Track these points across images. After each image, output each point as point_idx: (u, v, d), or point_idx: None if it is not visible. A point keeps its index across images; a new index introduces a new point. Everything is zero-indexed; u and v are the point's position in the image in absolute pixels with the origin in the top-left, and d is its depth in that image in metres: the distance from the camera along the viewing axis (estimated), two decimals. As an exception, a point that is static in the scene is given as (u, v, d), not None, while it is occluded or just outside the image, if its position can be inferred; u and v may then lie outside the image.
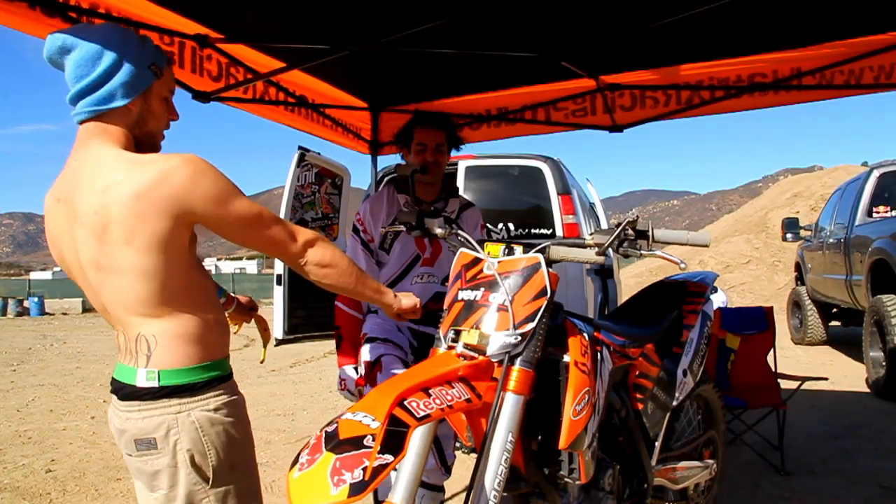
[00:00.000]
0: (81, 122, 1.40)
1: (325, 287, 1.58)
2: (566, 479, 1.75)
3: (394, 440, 1.20)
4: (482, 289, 1.62)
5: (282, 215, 4.19)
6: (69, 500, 3.58)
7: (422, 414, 1.29)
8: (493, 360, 1.53)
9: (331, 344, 9.76)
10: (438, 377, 1.41)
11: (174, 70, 1.62)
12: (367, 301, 1.69)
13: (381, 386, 1.40)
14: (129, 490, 3.59)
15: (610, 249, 1.65)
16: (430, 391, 1.36)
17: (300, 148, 4.17)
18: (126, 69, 1.37)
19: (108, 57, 1.36)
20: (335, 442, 1.19)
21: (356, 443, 1.17)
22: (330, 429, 1.24)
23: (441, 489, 2.52)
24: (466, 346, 1.54)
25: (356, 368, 2.54)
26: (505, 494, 1.48)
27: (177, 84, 1.88)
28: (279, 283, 4.06)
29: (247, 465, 1.49)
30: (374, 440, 1.18)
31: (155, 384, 1.37)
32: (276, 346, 4.12)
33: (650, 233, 1.64)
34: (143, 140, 1.45)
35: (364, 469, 1.13)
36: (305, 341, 4.40)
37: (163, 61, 1.46)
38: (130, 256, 1.32)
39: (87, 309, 21.13)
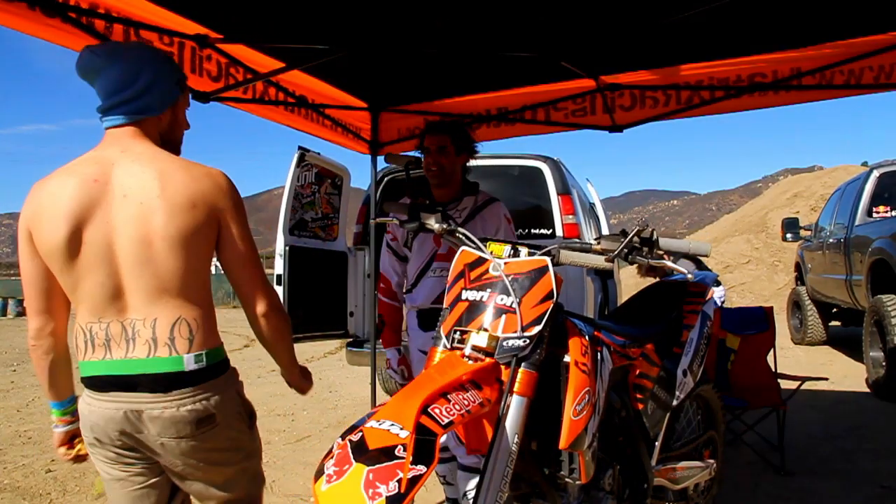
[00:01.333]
0: (113, 127, 1.52)
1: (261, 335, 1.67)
2: (566, 480, 1.75)
3: (424, 449, 1.17)
4: (488, 290, 1.60)
5: (281, 215, 4.20)
6: (69, 500, 3.58)
7: (446, 421, 1.27)
8: (501, 362, 1.53)
9: (331, 344, 9.78)
10: (453, 381, 1.40)
11: None
12: (279, 363, 1.80)
13: (402, 392, 1.38)
14: (129, 490, 3.59)
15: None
16: (449, 396, 1.34)
17: (300, 148, 4.17)
18: (161, 84, 1.55)
19: (147, 72, 1.52)
20: (365, 453, 1.15)
21: (388, 453, 1.14)
22: (355, 438, 1.20)
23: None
24: (475, 347, 1.53)
25: (399, 350, 2.81)
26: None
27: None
28: (279, 283, 4.06)
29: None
30: (405, 450, 1.15)
31: (203, 364, 1.49)
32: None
33: (656, 242, 1.65)
34: (169, 147, 1.59)
35: (399, 481, 1.10)
36: (305, 341, 4.39)
37: (184, 77, 1.64)
38: (193, 241, 1.46)
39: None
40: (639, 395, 2.11)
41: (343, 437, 1.22)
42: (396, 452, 1.14)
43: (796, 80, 3.23)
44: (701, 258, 5.09)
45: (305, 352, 9.38)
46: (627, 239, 1.63)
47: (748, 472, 3.72)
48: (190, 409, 1.47)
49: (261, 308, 1.59)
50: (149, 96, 1.52)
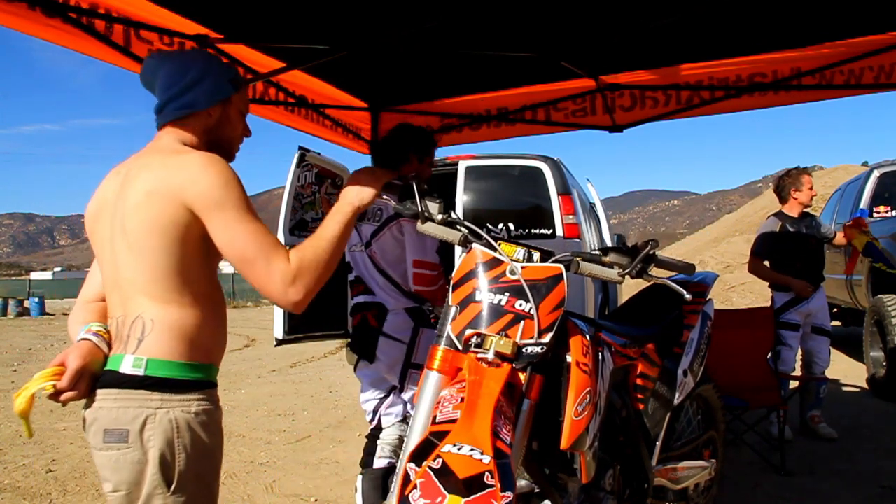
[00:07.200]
0: (163, 126, 1.53)
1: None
2: (567, 480, 1.75)
3: (506, 474, 1.17)
4: (507, 294, 1.59)
5: (282, 215, 4.19)
6: (70, 500, 3.58)
7: (510, 440, 1.27)
8: (518, 368, 1.53)
9: (331, 344, 9.78)
10: (498, 395, 1.38)
11: None
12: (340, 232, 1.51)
13: (467, 412, 1.33)
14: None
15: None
16: (500, 412, 1.34)
17: (300, 148, 4.17)
18: (209, 79, 1.53)
19: (195, 69, 1.53)
20: (456, 482, 1.14)
21: (478, 482, 1.14)
22: (436, 465, 1.18)
23: None
24: (498, 353, 1.51)
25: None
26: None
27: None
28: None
29: (210, 479, 1.45)
30: (492, 477, 1.15)
31: (140, 372, 1.35)
32: (276, 346, 4.13)
33: (654, 257, 1.71)
34: (220, 145, 1.58)
35: None
36: (305, 341, 4.40)
37: (241, 80, 1.63)
38: (149, 234, 1.37)
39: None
40: (639, 395, 2.12)
41: (414, 461, 1.20)
42: (486, 480, 1.14)
43: (796, 80, 3.23)
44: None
45: (305, 352, 9.38)
46: (641, 255, 1.68)
47: (748, 472, 3.72)
48: (106, 413, 1.34)
49: (283, 300, 1.37)
50: (196, 90, 1.52)
